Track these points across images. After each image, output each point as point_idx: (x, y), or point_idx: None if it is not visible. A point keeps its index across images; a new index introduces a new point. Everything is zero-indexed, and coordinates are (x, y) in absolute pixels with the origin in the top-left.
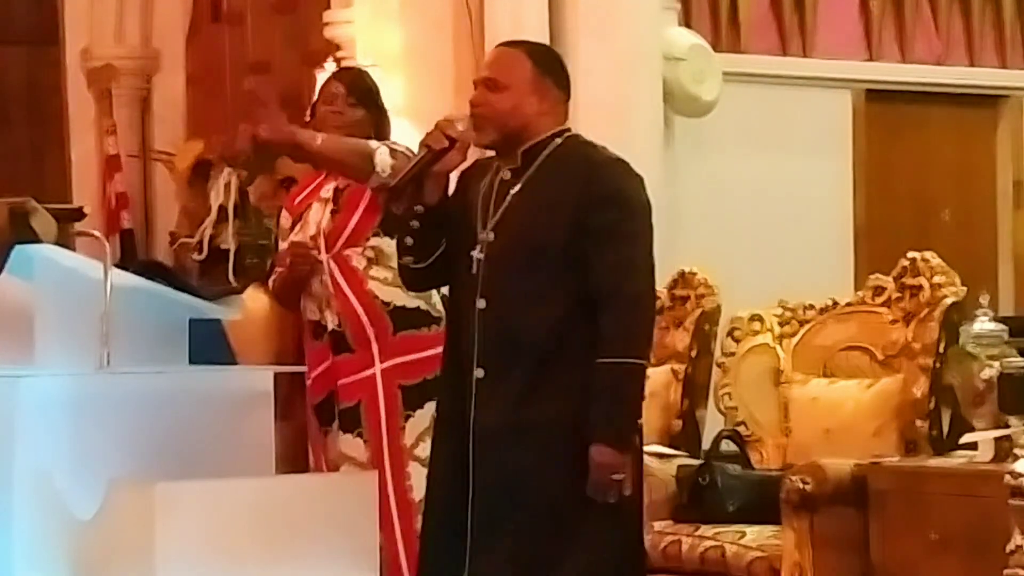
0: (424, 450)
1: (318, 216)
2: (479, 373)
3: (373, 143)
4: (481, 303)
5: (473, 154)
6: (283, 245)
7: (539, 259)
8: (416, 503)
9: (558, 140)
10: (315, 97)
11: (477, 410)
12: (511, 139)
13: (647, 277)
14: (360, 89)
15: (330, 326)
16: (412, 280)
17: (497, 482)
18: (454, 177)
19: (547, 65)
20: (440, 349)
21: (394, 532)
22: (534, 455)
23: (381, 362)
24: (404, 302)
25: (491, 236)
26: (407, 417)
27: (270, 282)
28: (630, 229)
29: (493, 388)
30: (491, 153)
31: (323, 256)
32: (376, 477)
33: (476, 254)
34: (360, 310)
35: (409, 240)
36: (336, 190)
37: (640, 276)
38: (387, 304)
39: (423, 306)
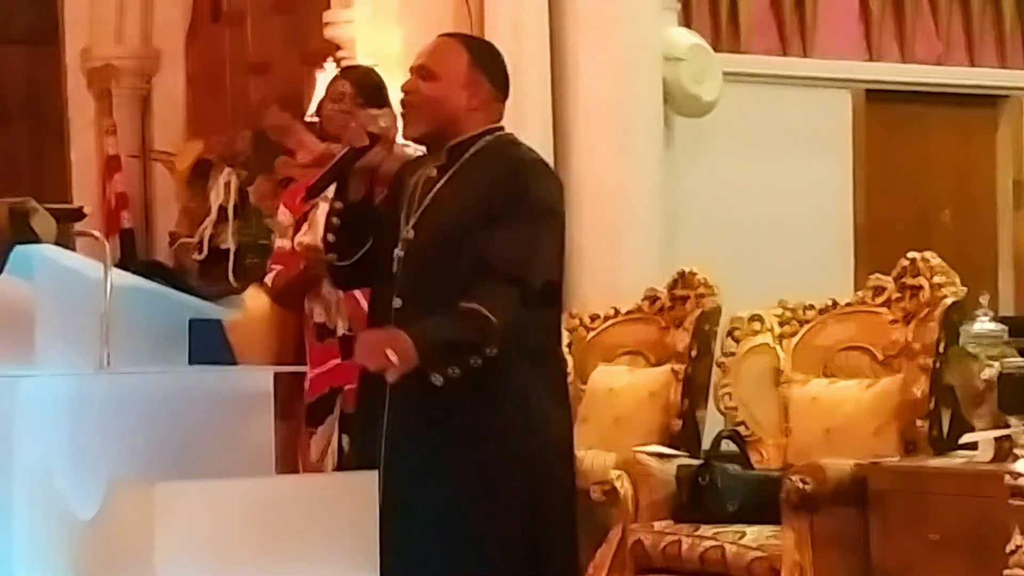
0: None
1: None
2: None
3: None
4: (397, 302)
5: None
6: (281, 242)
7: (452, 259)
8: None
9: (487, 138)
10: (321, 95)
11: (390, 423)
12: (439, 132)
13: (533, 269)
14: (368, 87)
15: (340, 330)
16: (339, 278)
17: (408, 473)
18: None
19: (483, 60)
20: None
21: None
22: (448, 454)
23: None
24: None
25: (411, 234)
26: None
27: (268, 280)
28: (529, 216)
29: (407, 402)
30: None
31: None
32: (376, 477)
33: (398, 251)
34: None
35: (331, 236)
36: None
37: (532, 265)
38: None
39: None
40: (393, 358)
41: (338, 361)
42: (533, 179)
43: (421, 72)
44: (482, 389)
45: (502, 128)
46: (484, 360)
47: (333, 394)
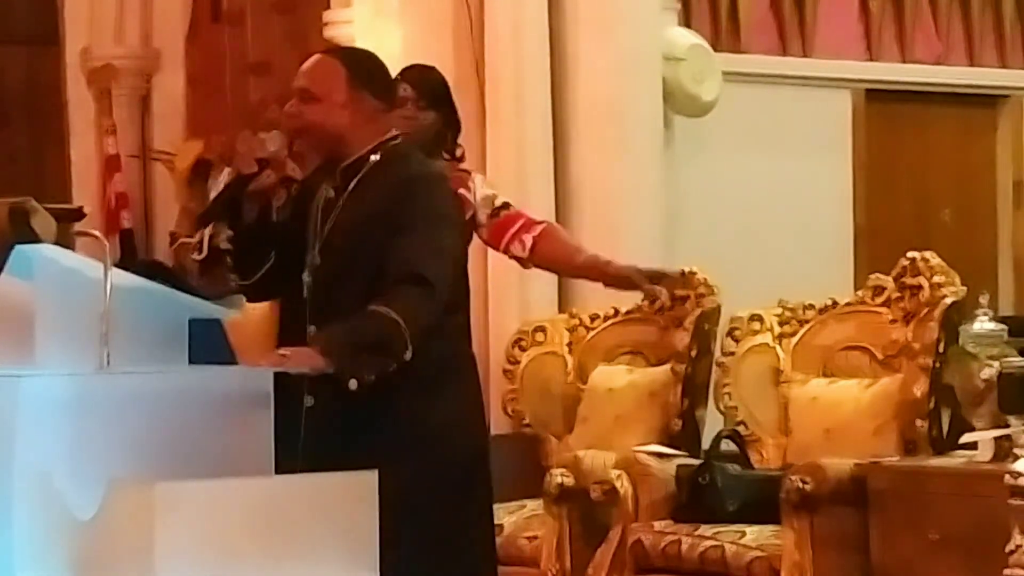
0: None
1: None
2: (309, 401)
3: None
4: (311, 329)
5: None
6: None
7: (359, 282)
8: None
9: (376, 155)
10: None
11: (306, 438)
12: (329, 154)
13: (437, 270)
14: (429, 89)
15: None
16: (247, 294)
17: None
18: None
19: (362, 75)
20: None
21: None
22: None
23: None
24: None
25: (317, 259)
26: None
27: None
28: (427, 222)
29: (323, 416)
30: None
31: None
32: (376, 478)
33: (306, 278)
34: None
35: (229, 259)
36: None
37: (434, 266)
38: None
39: None
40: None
41: None
42: (426, 191)
43: (302, 95)
44: (397, 398)
45: (395, 137)
46: (399, 364)
47: None
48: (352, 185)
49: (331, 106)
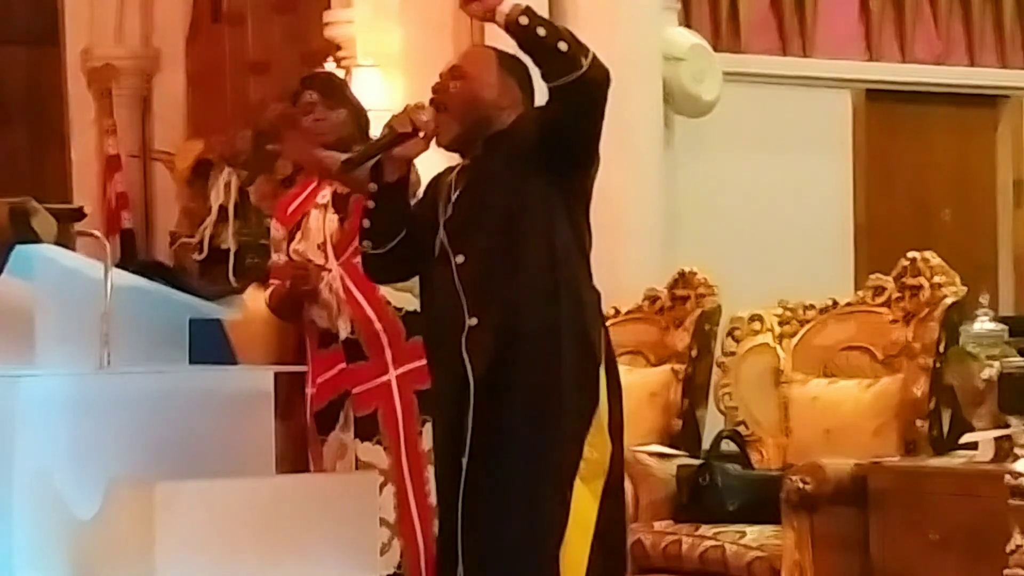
0: None
1: (319, 222)
2: (472, 321)
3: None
4: (459, 258)
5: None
6: (276, 256)
7: (496, 216)
8: (434, 507)
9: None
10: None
11: (471, 360)
12: (472, 130)
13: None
14: (333, 91)
15: (343, 334)
16: (372, 268)
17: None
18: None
19: (512, 68)
20: None
21: (416, 538)
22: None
23: (395, 368)
24: (415, 306)
25: (450, 211)
26: (423, 422)
27: (266, 295)
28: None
29: (484, 336)
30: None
31: (332, 264)
32: (376, 478)
33: (440, 236)
34: (373, 316)
35: (366, 222)
36: (336, 195)
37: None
38: (399, 309)
39: None
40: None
41: (343, 365)
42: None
43: (452, 72)
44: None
45: None
46: (576, 73)
47: (341, 400)
48: (491, 149)
49: (482, 83)
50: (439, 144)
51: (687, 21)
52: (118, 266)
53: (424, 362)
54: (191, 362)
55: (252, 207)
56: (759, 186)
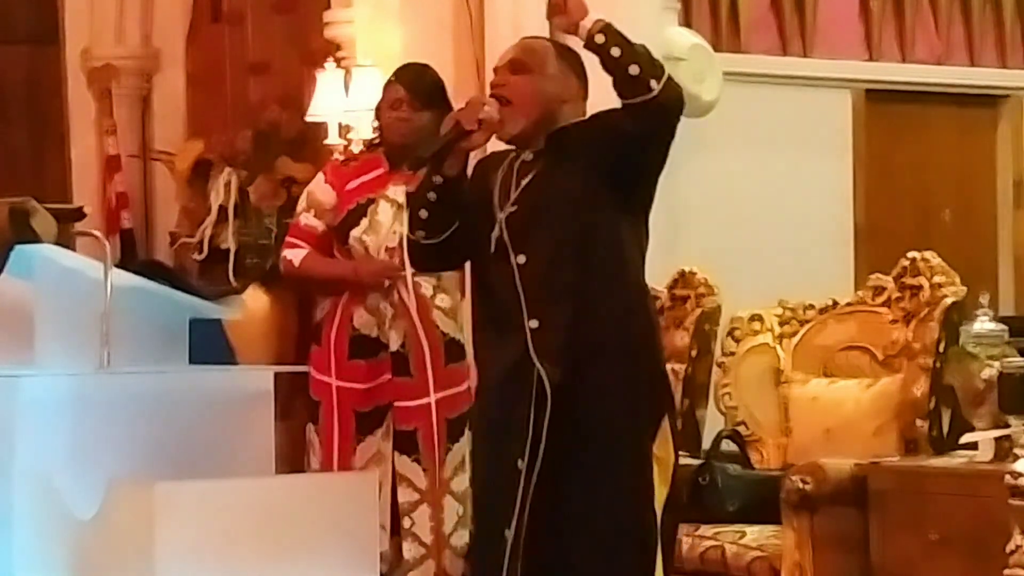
0: (458, 484)
1: (389, 222)
2: (533, 324)
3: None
4: (520, 258)
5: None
6: (308, 219)
7: (557, 222)
8: (445, 536)
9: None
10: (379, 102)
11: (539, 359)
12: (535, 126)
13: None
14: (423, 90)
15: (393, 346)
16: (421, 257)
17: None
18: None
19: (570, 60)
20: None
21: (443, 561)
22: (597, 394)
23: (436, 392)
24: (456, 335)
25: (512, 209)
26: (447, 450)
27: (293, 256)
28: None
29: (547, 337)
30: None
31: (407, 273)
32: (376, 478)
33: (494, 234)
34: (423, 336)
35: (424, 212)
36: (411, 196)
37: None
38: (444, 335)
39: (460, 338)
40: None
41: (389, 376)
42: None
43: (513, 66)
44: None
45: None
46: (647, 94)
47: (386, 408)
48: (558, 144)
49: (543, 76)
50: (501, 138)
51: (687, 21)
52: (118, 266)
53: (455, 390)
54: (191, 362)
55: (252, 207)
56: (759, 186)
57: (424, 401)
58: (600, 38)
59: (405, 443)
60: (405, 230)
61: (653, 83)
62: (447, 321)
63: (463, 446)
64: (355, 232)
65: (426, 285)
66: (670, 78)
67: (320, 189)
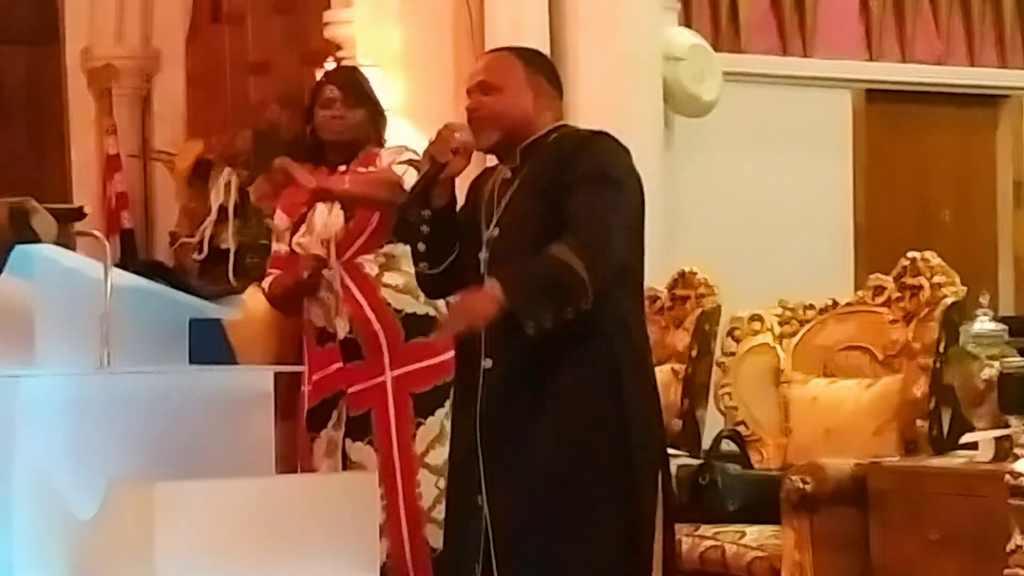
0: (434, 457)
1: (324, 218)
2: (487, 363)
3: (399, 168)
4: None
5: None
6: (277, 246)
7: (539, 242)
8: (425, 511)
9: (554, 135)
10: (310, 100)
11: (483, 402)
12: (511, 138)
13: (619, 233)
14: (356, 89)
15: (341, 334)
16: (430, 287)
17: (508, 474)
18: (464, 184)
19: (537, 64)
20: (450, 354)
21: (402, 540)
22: (547, 432)
23: (392, 369)
24: (415, 309)
25: (495, 232)
26: (418, 424)
27: (265, 285)
28: (612, 179)
29: (500, 378)
30: (494, 160)
31: (334, 262)
32: (376, 479)
33: (482, 254)
34: (372, 317)
35: (421, 246)
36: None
37: (610, 228)
38: (399, 311)
39: (432, 312)
40: (478, 317)
41: (340, 365)
42: (604, 148)
43: (482, 88)
44: (577, 346)
45: (566, 124)
46: (577, 310)
47: (335, 398)
48: (530, 162)
49: (513, 92)
50: (478, 148)
51: (687, 21)
52: (118, 266)
53: (421, 364)
54: (191, 362)
55: (252, 207)
56: (759, 186)
57: (379, 380)
58: (529, 326)
59: (356, 429)
60: (336, 224)
61: (584, 302)
62: (400, 297)
63: (437, 420)
64: (295, 238)
65: (370, 265)
66: (585, 283)
67: (277, 217)
